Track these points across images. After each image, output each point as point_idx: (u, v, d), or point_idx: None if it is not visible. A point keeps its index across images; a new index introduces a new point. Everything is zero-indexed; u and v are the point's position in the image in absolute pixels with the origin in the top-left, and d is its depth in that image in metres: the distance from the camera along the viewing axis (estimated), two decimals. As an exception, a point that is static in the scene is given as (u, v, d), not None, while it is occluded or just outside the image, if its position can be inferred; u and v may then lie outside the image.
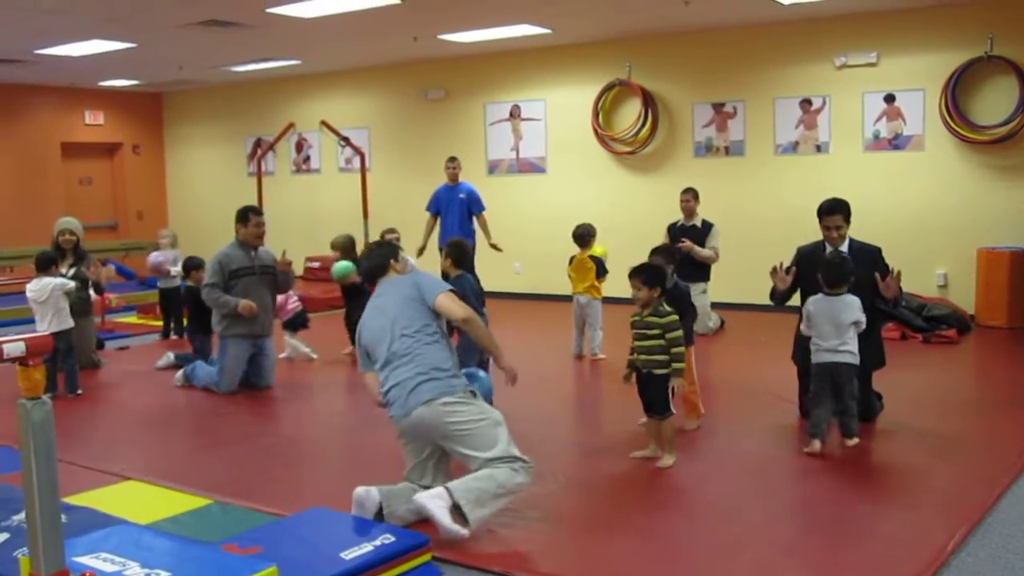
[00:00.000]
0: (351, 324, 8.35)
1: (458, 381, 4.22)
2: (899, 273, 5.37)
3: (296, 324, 8.23)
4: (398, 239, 8.75)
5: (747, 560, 3.72)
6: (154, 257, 9.32)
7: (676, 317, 4.90)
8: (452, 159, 10.15)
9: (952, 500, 4.39)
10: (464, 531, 3.81)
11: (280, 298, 8.05)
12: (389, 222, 9.29)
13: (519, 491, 4.04)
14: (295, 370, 7.82)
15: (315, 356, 8.19)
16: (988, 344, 8.43)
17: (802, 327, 5.39)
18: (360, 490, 4.03)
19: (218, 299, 6.92)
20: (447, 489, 3.87)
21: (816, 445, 5.09)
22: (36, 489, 2.53)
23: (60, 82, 14.02)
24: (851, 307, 5.14)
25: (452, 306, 4.32)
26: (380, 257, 4.64)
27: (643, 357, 4.90)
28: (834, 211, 5.60)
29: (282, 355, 8.10)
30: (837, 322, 5.14)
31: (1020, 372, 7.44)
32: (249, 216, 7.06)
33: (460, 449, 4.09)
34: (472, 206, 10.00)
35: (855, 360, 5.17)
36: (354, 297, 8.35)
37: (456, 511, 3.83)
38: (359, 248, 8.19)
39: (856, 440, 5.21)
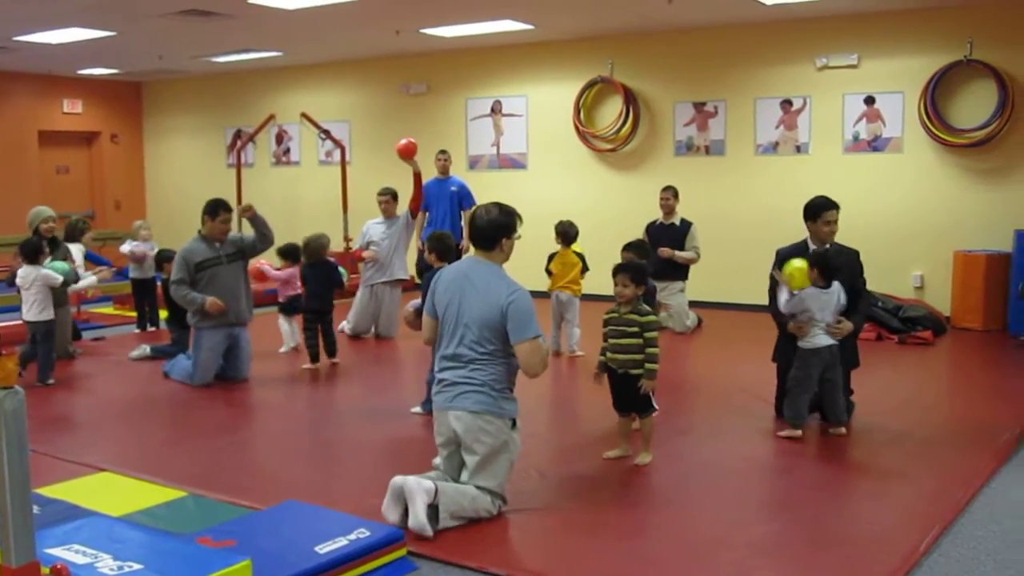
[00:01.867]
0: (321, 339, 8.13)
1: (509, 405, 4.18)
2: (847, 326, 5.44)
3: (293, 309, 8.12)
4: (388, 200, 8.89)
5: (722, 559, 3.73)
6: (137, 246, 9.18)
7: (655, 317, 4.91)
8: (443, 151, 10.13)
9: (925, 501, 4.42)
10: (431, 533, 3.85)
11: (283, 274, 7.97)
12: (370, 215, 9.23)
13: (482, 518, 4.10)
14: (271, 363, 7.78)
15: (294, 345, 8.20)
16: (963, 346, 8.50)
17: (787, 305, 5.38)
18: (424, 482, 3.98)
19: (185, 296, 6.88)
20: (436, 488, 3.92)
21: (796, 433, 5.36)
22: (7, 480, 2.50)
23: (38, 70, 13.86)
24: (840, 293, 5.36)
25: (533, 360, 4.07)
26: (493, 228, 4.17)
27: (620, 356, 4.86)
28: (834, 206, 5.66)
29: (282, 349, 8.18)
30: (829, 308, 5.33)
31: (994, 374, 7.51)
32: (218, 211, 6.96)
33: (469, 464, 4.13)
34: (463, 200, 9.97)
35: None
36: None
37: (431, 509, 3.89)
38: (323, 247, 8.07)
39: (843, 429, 5.42)
